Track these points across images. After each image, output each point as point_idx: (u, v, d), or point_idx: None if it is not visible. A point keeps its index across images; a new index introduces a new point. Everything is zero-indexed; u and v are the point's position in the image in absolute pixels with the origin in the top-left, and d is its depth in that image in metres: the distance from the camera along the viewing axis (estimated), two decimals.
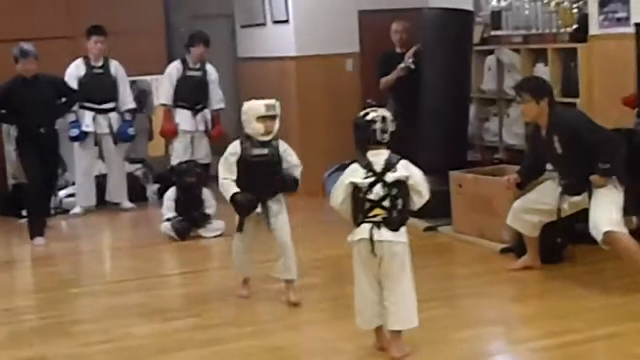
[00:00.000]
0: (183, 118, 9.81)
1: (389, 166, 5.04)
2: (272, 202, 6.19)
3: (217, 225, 8.56)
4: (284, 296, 6.25)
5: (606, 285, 6.31)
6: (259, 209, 6.18)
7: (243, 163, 6.14)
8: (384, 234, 5.01)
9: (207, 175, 9.36)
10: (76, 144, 9.90)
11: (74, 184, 10.24)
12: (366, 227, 5.03)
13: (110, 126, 9.96)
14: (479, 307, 6.15)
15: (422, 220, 7.96)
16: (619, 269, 6.42)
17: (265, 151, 6.16)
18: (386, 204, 5.02)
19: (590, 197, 6.25)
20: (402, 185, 5.04)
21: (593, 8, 7.79)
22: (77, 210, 10.02)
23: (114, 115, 9.99)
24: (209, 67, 9.92)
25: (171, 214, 8.54)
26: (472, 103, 9.15)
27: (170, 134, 9.88)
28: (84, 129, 9.79)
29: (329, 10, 10.24)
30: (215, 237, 8.48)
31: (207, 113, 9.91)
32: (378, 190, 5.02)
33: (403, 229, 5.07)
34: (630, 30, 7.38)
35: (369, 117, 5.10)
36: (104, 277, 7.71)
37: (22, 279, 7.91)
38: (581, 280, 6.44)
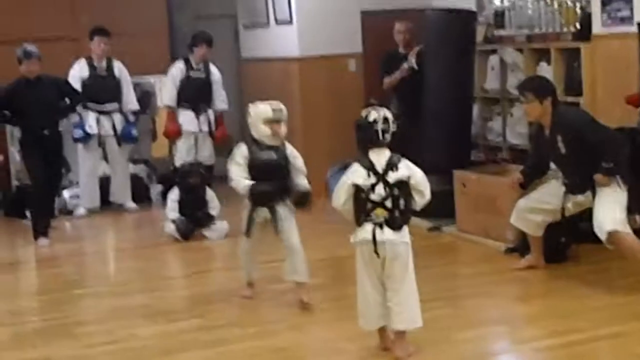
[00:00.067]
0: (186, 119, 9.81)
1: (391, 166, 5.04)
2: (280, 206, 6.15)
3: (220, 226, 8.56)
4: (297, 297, 6.19)
5: (610, 284, 6.30)
6: (266, 214, 6.14)
7: (251, 167, 6.09)
8: (386, 234, 5.00)
9: (210, 175, 9.38)
10: (79, 145, 9.92)
11: (77, 184, 10.26)
12: (368, 227, 5.03)
13: (114, 127, 9.97)
14: (483, 306, 6.15)
15: (426, 219, 7.96)
16: (623, 268, 6.42)
17: (273, 155, 6.11)
18: (388, 204, 5.01)
19: (593, 196, 6.25)
20: (403, 185, 5.04)
21: (596, 7, 7.77)
22: (80, 211, 10.02)
23: (117, 116, 10.00)
24: (212, 68, 9.92)
25: (174, 214, 8.54)
26: (475, 102, 9.14)
27: (174, 134, 9.88)
28: (88, 130, 9.80)
29: (332, 11, 10.24)
30: (219, 237, 8.48)
31: (210, 113, 9.91)
32: (380, 191, 5.01)
33: (405, 229, 5.06)
34: (633, 29, 7.36)
35: (370, 118, 5.10)
36: (107, 278, 7.72)
37: (25, 280, 7.92)
38: (585, 280, 6.43)
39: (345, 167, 5.27)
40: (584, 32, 7.95)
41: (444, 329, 5.53)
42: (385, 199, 5.01)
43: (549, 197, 6.60)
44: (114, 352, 5.57)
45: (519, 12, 8.88)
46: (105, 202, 10.16)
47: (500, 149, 9.14)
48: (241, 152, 6.16)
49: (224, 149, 10.42)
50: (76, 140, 9.81)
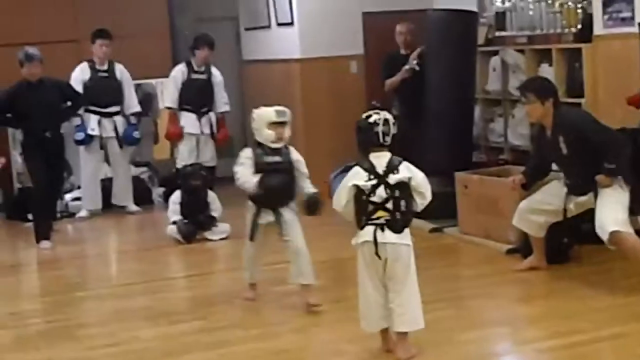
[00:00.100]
0: (188, 121, 9.82)
1: (391, 168, 5.04)
2: (285, 210, 6.13)
3: (222, 228, 8.57)
4: (302, 299, 6.16)
5: (612, 285, 6.29)
6: (271, 218, 6.12)
7: (256, 171, 6.05)
8: (387, 236, 5.00)
9: (212, 178, 9.38)
10: (81, 148, 9.93)
11: (79, 187, 10.27)
12: (370, 229, 5.03)
13: (116, 129, 9.97)
14: (485, 307, 6.15)
15: (428, 221, 7.96)
16: (625, 269, 6.41)
17: (279, 159, 6.08)
18: (389, 205, 5.01)
19: (595, 196, 6.25)
20: (404, 187, 5.04)
21: (597, 8, 7.78)
22: (82, 213, 10.03)
23: (119, 119, 10.00)
24: (214, 70, 9.93)
25: (177, 216, 8.55)
26: (476, 104, 9.14)
27: (176, 136, 9.89)
28: (89, 132, 9.81)
29: (333, 12, 10.25)
30: (221, 239, 8.50)
31: (212, 116, 9.92)
32: (381, 192, 5.01)
33: (406, 231, 5.06)
34: (635, 29, 7.37)
35: (371, 120, 5.10)
36: (109, 280, 7.72)
37: (28, 282, 7.92)
38: (587, 280, 6.43)
39: (347, 169, 5.27)
40: (585, 33, 7.95)
41: (446, 330, 5.53)
42: (386, 200, 5.01)
43: (551, 198, 6.60)
44: (116, 354, 5.57)
45: (520, 13, 8.89)
46: (107, 204, 10.16)
47: (502, 150, 9.14)
48: (246, 154, 6.13)
49: (226, 151, 10.47)
50: (78, 142, 9.82)
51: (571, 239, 6.95)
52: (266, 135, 6.06)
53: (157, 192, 10.66)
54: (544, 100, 6.36)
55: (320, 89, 10.25)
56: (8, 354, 5.71)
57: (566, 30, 8.23)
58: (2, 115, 8.79)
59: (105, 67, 9.96)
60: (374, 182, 5.02)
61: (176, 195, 8.66)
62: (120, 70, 10.04)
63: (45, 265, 8.18)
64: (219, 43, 10.08)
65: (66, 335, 5.97)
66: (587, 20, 7.95)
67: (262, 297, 6.43)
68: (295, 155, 6.18)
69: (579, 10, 8.12)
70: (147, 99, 10.96)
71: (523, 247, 7.00)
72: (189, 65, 9.83)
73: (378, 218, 5.02)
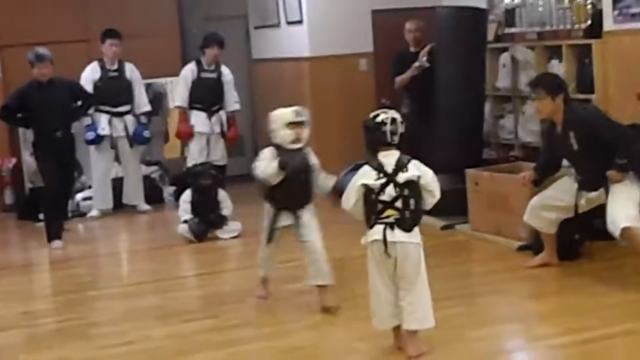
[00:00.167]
0: (198, 120, 9.83)
1: (400, 166, 5.03)
2: (303, 211, 6.06)
3: (233, 227, 8.58)
4: (318, 300, 6.11)
5: (624, 281, 6.27)
6: (290, 220, 6.04)
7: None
8: (397, 234, 5.00)
9: (222, 176, 9.38)
10: (92, 147, 9.95)
11: (90, 187, 10.29)
12: (379, 228, 5.02)
13: (126, 129, 9.99)
14: (496, 304, 6.15)
15: (439, 218, 7.96)
16: (636, 265, 6.38)
17: (300, 158, 6.00)
18: (398, 204, 5.01)
19: (607, 192, 6.24)
20: (413, 185, 5.03)
21: (607, 3, 7.76)
22: (93, 212, 10.06)
23: (129, 118, 10.03)
24: (224, 69, 9.93)
25: (187, 215, 8.56)
26: (486, 100, 9.13)
27: (186, 135, 9.90)
28: (100, 132, 9.84)
29: (343, 10, 10.25)
30: (232, 238, 8.51)
31: (222, 114, 9.93)
32: (390, 191, 5.01)
33: (416, 229, 5.06)
34: None
35: (378, 119, 5.10)
36: (121, 279, 7.73)
37: (39, 282, 7.95)
38: (599, 277, 6.41)
39: (357, 167, 5.26)
40: (595, 29, 7.93)
41: (457, 327, 5.52)
42: (395, 199, 5.01)
43: (562, 194, 6.59)
44: (128, 353, 5.58)
45: (529, 9, 8.87)
46: (118, 203, 10.19)
47: (512, 147, 9.13)
48: (266, 153, 5.99)
49: (236, 149, 10.48)
50: (89, 142, 9.85)
51: (582, 235, 6.94)
52: (284, 136, 5.95)
53: (168, 191, 10.68)
54: (554, 96, 6.35)
55: (330, 87, 10.25)
56: (21, 354, 5.73)
57: (576, 26, 8.21)
58: (13, 116, 8.82)
59: (115, 66, 9.98)
60: (383, 180, 5.02)
61: (187, 194, 8.67)
62: (130, 70, 10.06)
63: (57, 265, 8.20)
64: (229, 42, 10.09)
65: (78, 335, 5.98)
66: (597, 16, 7.93)
67: (274, 296, 6.43)
68: (313, 158, 6.13)
69: (589, 6, 8.09)
70: (158, 98, 10.97)
71: (534, 243, 6.99)
72: (199, 64, 9.84)
73: (387, 217, 5.02)
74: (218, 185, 8.81)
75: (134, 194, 10.24)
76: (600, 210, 6.31)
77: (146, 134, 10.09)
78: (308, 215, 6.07)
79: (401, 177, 5.01)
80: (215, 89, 9.86)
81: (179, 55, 11.33)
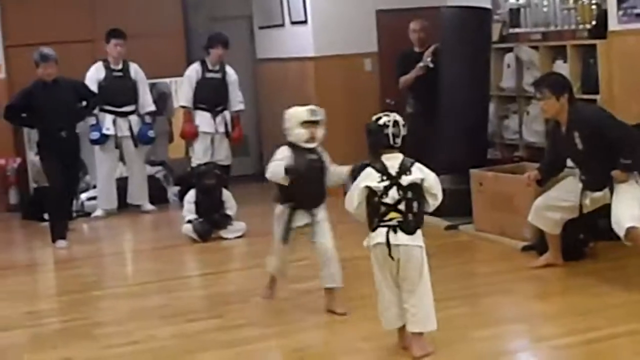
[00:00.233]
0: (203, 120, 9.83)
1: (404, 169, 5.03)
2: (319, 210, 6.03)
3: (237, 226, 8.58)
4: (327, 303, 6.09)
5: (628, 281, 6.27)
6: (306, 219, 6.00)
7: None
8: (400, 237, 5.00)
9: (227, 176, 9.39)
10: (97, 147, 9.96)
11: (95, 186, 10.31)
12: (382, 231, 5.03)
13: (131, 129, 10.00)
14: (500, 305, 6.14)
15: (443, 218, 7.96)
16: None
17: (314, 156, 5.97)
18: (401, 207, 5.01)
19: (611, 192, 6.23)
20: (417, 188, 5.03)
21: (611, 4, 7.75)
22: (98, 212, 10.07)
23: (134, 118, 10.04)
24: (228, 69, 9.94)
25: (192, 215, 8.56)
26: (491, 101, 9.12)
27: (190, 135, 9.90)
28: (105, 131, 9.85)
29: (347, 10, 10.25)
30: (236, 238, 8.51)
31: (226, 114, 9.93)
32: (393, 194, 5.01)
33: (419, 232, 5.06)
34: None
35: (380, 122, 5.10)
36: (125, 279, 7.74)
37: (44, 281, 7.95)
38: (603, 277, 6.41)
39: (362, 168, 5.26)
40: (600, 29, 7.92)
41: (461, 327, 5.52)
42: (398, 202, 5.01)
43: (567, 194, 6.59)
44: (133, 353, 5.59)
45: (534, 9, 8.86)
46: (123, 203, 10.20)
47: (517, 147, 9.12)
48: (283, 152, 5.95)
49: (240, 149, 10.48)
50: (93, 142, 9.86)
51: (587, 236, 6.94)
52: (299, 134, 5.92)
53: (172, 191, 10.69)
54: (559, 96, 6.35)
55: (335, 87, 10.25)
56: (25, 353, 5.73)
57: (580, 26, 8.20)
58: (18, 116, 8.83)
59: (120, 66, 9.99)
60: (387, 183, 5.02)
61: (191, 194, 8.68)
62: (134, 70, 10.07)
63: (62, 265, 8.21)
64: (233, 42, 10.09)
65: (83, 334, 5.99)
66: (602, 16, 7.93)
67: (279, 295, 6.42)
68: (326, 157, 6.09)
69: (594, 6, 8.08)
70: (162, 98, 10.98)
71: (539, 244, 6.99)
72: (203, 64, 9.85)
73: (390, 219, 5.02)
74: (222, 185, 8.82)
75: (138, 193, 10.25)
76: (604, 210, 6.30)
77: (151, 133, 10.10)
78: (323, 214, 6.05)
79: (405, 180, 5.01)
80: (219, 89, 9.86)
81: (184, 56, 11.33)
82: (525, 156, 8.76)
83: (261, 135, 11.88)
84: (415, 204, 5.03)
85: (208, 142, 9.83)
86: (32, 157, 10.20)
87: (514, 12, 9.12)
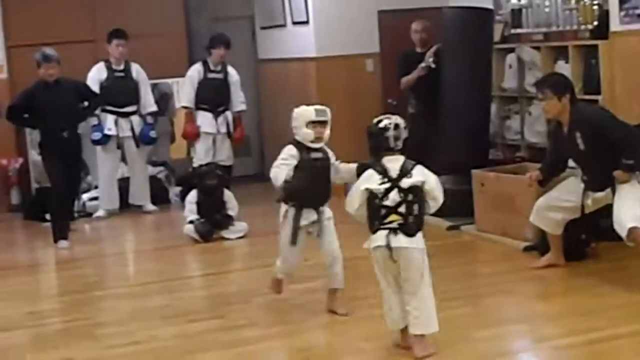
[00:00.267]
0: (204, 120, 9.83)
1: (405, 172, 5.03)
2: (324, 208, 6.00)
3: (239, 227, 8.58)
4: (329, 304, 6.07)
5: (630, 282, 6.26)
6: (313, 217, 5.96)
7: (300, 168, 5.85)
8: (400, 240, 5.00)
9: (228, 177, 9.38)
10: (98, 147, 9.97)
11: (96, 187, 10.31)
12: (382, 233, 5.03)
13: (132, 129, 10.01)
14: (502, 305, 6.14)
15: (445, 219, 7.95)
16: None
17: (321, 155, 5.94)
18: (402, 209, 5.01)
19: (613, 193, 6.23)
20: (417, 191, 5.03)
21: (613, 4, 7.75)
22: (100, 213, 10.07)
23: (135, 118, 10.04)
24: (230, 69, 9.94)
25: (193, 216, 8.57)
26: (493, 101, 9.12)
27: (192, 136, 9.91)
28: (106, 132, 9.86)
29: (349, 11, 10.25)
30: (238, 238, 8.51)
31: (228, 115, 9.93)
32: (394, 196, 5.01)
33: (419, 235, 5.06)
34: None
35: (381, 125, 5.10)
36: (127, 279, 7.74)
37: (46, 282, 7.95)
38: (605, 277, 6.41)
39: (365, 168, 5.26)
40: (602, 30, 7.92)
41: (463, 327, 5.52)
42: (399, 204, 5.00)
43: (568, 194, 6.58)
44: (135, 353, 5.59)
45: (536, 10, 8.86)
46: (124, 204, 10.20)
47: (519, 148, 9.12)
48: (289, 150, 5.90)
49: (242, 150, 10.47)
50: (95, 142, 9.87)
51: (589, 236, 6.94)
52: (305, 134, 5.88)
53: (174, 191, 10.69)
54: (560, 96, 6.35)
55: (337, 88, 10.25)
56: (27, 353, 5.73)
57: (582, 26, 8.20)
58: (20, 116, 8.83)
59: (122, 67, 9.99)
60: (387, 185, 5.02)
61: (192, 195, 8.68)
62: (136, 70, 10.07)
63: (63, 265, 8.21)
64: (235, 42, 10.09)
65: (84, 335, 5.99)
66: (604, 17, 7.93)
67: (280, 296, 6.42)
68: (332, 155, 6.05)
69: (595, 7, 8.08)
70: (164, 99, 10.99)
71: (540, 244, 6.98)
72: (205, 64, 9.85)
73: (391, 222, 5.02)
74: (224, 185, 8.82)
75: (140, 194, 10.25)
76: (606, 211, 6.30)
77: (152, 134, 10.10)
78: (329, 213, 6.03)
79: (405, 183, 5.01)
80: (221, 89, 9.86)
81: (186, 56, 11.34)
82: (527, 156, 8.76)
83: (263, 135, 11.89)
84: (415, 207, 5.02)
85: (210, 142, 9.83)
86: (34, 158, 10.20)
87: (516, 13, 9.12)
